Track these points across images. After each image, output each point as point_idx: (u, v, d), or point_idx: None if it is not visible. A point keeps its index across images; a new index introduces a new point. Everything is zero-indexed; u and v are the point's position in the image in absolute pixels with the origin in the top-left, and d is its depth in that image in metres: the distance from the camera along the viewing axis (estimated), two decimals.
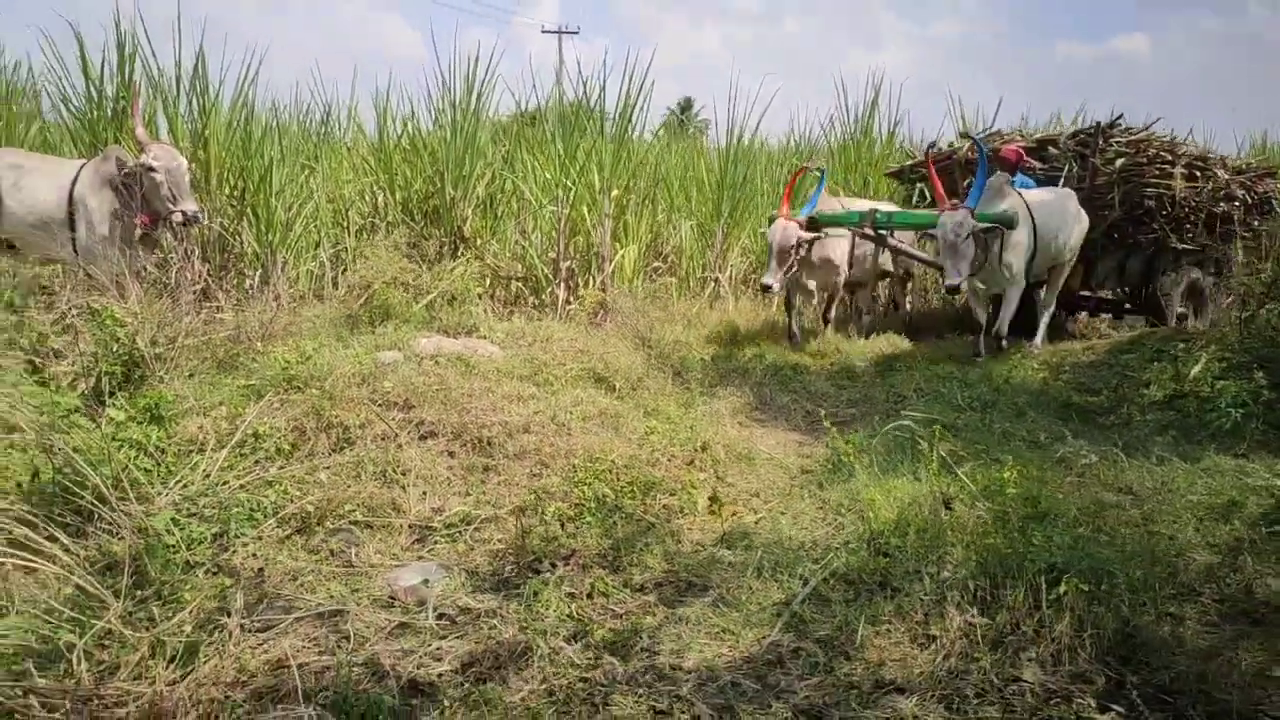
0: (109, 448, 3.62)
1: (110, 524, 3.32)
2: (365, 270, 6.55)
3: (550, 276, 8.78)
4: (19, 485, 3.42)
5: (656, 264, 10.32)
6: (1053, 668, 2.57)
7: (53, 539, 3.14)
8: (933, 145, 9.26)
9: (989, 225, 7.02)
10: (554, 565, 3.42)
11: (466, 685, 2.60)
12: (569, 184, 8.78)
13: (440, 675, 2.68)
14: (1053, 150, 8.85)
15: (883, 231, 7.87)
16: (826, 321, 8.64)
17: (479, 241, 8.88)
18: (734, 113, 12.76)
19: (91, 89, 7.76)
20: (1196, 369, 6.21)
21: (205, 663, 2.66)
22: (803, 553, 3.44)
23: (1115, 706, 2.39)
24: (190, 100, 7.60)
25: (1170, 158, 8.42)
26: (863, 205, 8.47)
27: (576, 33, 35.23)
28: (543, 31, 34.92)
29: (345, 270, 7.98)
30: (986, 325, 7.78)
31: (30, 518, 3.23)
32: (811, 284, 8.29)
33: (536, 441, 4.41)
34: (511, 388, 5.01)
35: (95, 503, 3.33)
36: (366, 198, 9.48)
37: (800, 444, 5.35)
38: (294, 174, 8.41)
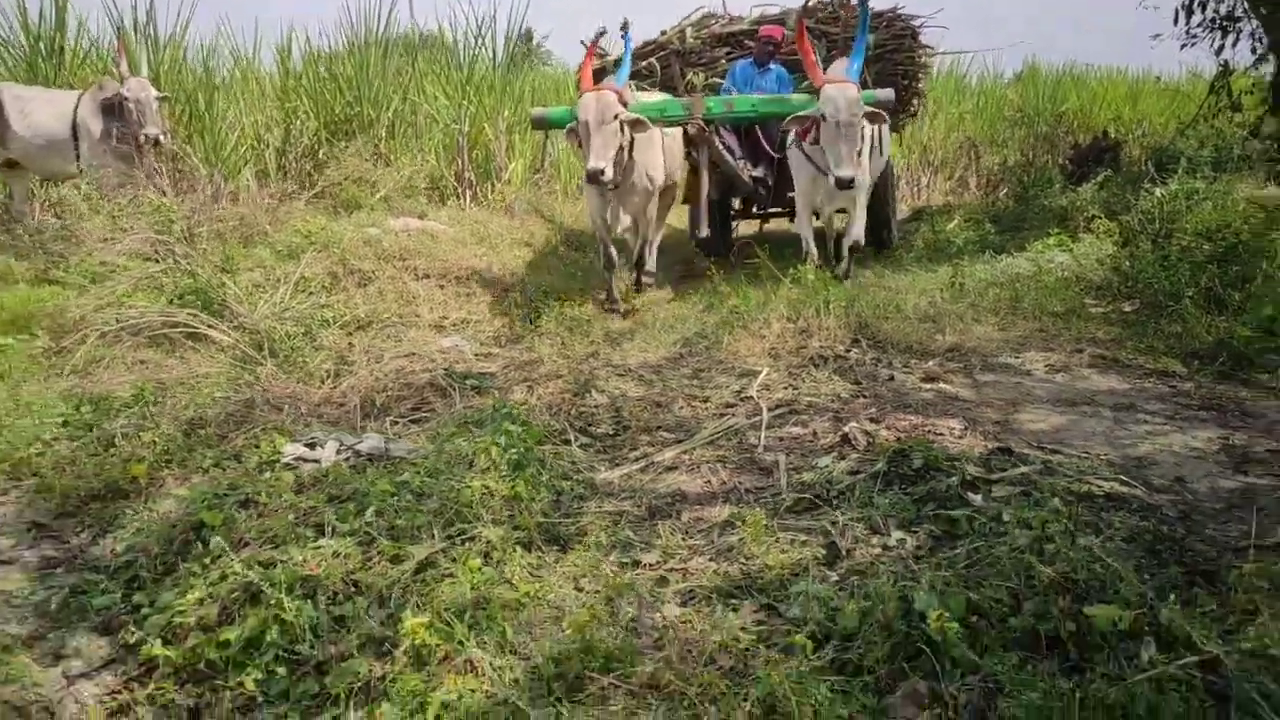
0: (214, 280, 5.32)
1: (236, 324, 5.05)
2: (336, 171, 8.16)
3: (455, 183, 10.49)
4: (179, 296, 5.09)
5: (538, 175, 12.15)
6: (830, 342, 4.77)
7: (211, 326, 4.89)
8: (602, 33, 6.74)
9: (870, 108, 5.52)
10: (535, 337, 5.40)
11: (509, 373, 4.59)
12: (469, 106, 10.46)
13: (491, 373, 4.64)
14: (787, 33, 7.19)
15: (712, 127, 6.22)
16: (642, 272, 6.62)
17: (392, 156, 10.45)
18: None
19: (29, 35, 8.95)
20: (951, 225, 8.72)
21: (349, 378, 4.51)
22: (686, 315, 5.57)
23: (854, 353, 4.62)
24: (144, 41, 8.85)
25: (912, 31, 7.72)
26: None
27: None
28: None
29: (270, 181, 9.45)
30: (834, 241, 6.67)
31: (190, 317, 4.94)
32: (623, 214, 6.07)
33: (497, 276, 6.33)
34: (468, 248, 6.88)
35: (225, 306, 5.06)
36: (279, 123, 10.83)
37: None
38: (228, 103, 9.74)
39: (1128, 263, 5.36)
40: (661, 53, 7.55)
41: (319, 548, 2.70)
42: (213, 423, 3.80)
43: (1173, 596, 2.20)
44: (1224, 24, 8.51)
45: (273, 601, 2.46)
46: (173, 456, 3.53)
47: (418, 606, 2.39)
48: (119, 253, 5.86)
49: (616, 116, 5.39)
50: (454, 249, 6.76)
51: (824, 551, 2.64)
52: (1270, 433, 3.43)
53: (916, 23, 7.72)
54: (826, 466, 3.18)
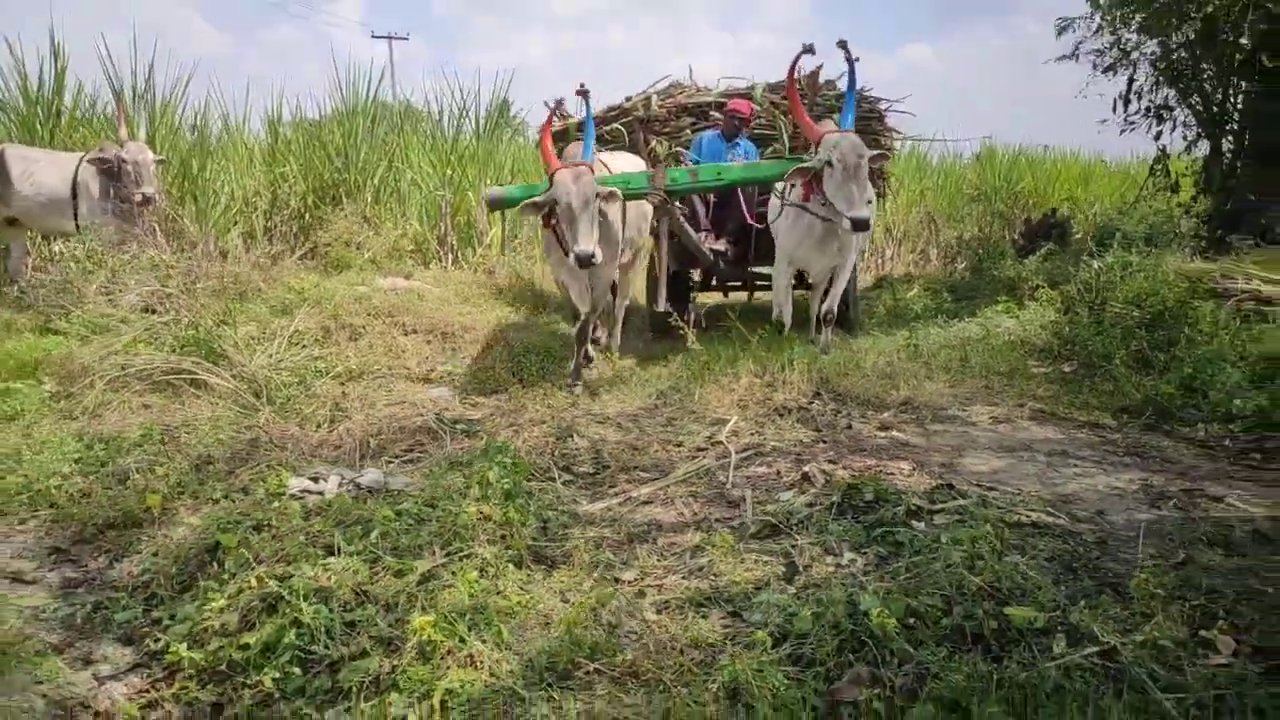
0: (214, 331, 5.62)
1: (234, 372, 5.34)
2: (329, 233, 8.53)
3: (438, 247, 10.90)
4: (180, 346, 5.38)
5: (516, 240, 12.60)
6: (793, 395, 5.15)
7: (212, 374, 5.17)
8: (560, 101, 7.20)
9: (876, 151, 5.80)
10: (519, 389, 5.73)
11: (495, 419, 4.90)
12: (453, 174, 10.94)
13: (478, 420, 4.96)
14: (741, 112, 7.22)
15: (676, 198, 6.16)
16: (593, 343, 6.45)
17: (377, 220, 10.86)
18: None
19: (29, 98, 9.34)
20: (911, 293, 9.23)
21: (344, 423, 4.80)
22: (660, 372, 5.93)
23: (816, 404, 4.99)
24: (141, 105, 9.27)
25: (879, 114, 7.70)
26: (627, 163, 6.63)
27: (407, 39, 36.53)
28: (373, 37, 36.06)
29: (255, 245, 9.79)
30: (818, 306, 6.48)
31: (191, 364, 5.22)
32: (594, 289, 5.91)
33: (479, 334, 6.68)
34: (453, 307, 7.24)
35: (224, 356, 5.35)
36: (267, 187, 11.23)
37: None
38: (219, 167, 10.15)
39: (1067, 328, 5.83)
40: (625, 119, 7.51)
41: (329, 564, 2.99)
42: (220, 460, 4.08)
43: (1083, 602, 2.55)
44: (1159, 112, 9.25)
45: (291, 607, 2.74)
46: (185, 489, 3.81)
47: (422, 610, 2.68)
48: (120, 305, 6.16)
49: (597, 195, 5.20)
50: (440, 307, 7.11)
51: (784, 569, 2.96)
52: (1185, 475, 3.82)
53: (883, 106, 7.70)
54: (788, 499, 3.52)
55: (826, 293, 6.29)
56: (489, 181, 11.40)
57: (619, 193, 5.49)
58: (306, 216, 10.49)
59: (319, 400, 5.17)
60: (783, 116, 7.32)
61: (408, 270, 8.36)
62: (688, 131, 7.54)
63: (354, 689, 2.53)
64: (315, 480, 3.80)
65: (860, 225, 5.32)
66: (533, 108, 20.31)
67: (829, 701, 2.26)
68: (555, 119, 6.73)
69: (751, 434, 4.49)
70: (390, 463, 4.20)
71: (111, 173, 7.79)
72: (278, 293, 6.85)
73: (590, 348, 6.26)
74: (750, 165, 6.24)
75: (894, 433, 4.46)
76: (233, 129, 11.82)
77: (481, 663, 2.49)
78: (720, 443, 4.31)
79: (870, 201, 5.70)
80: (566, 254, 5.34)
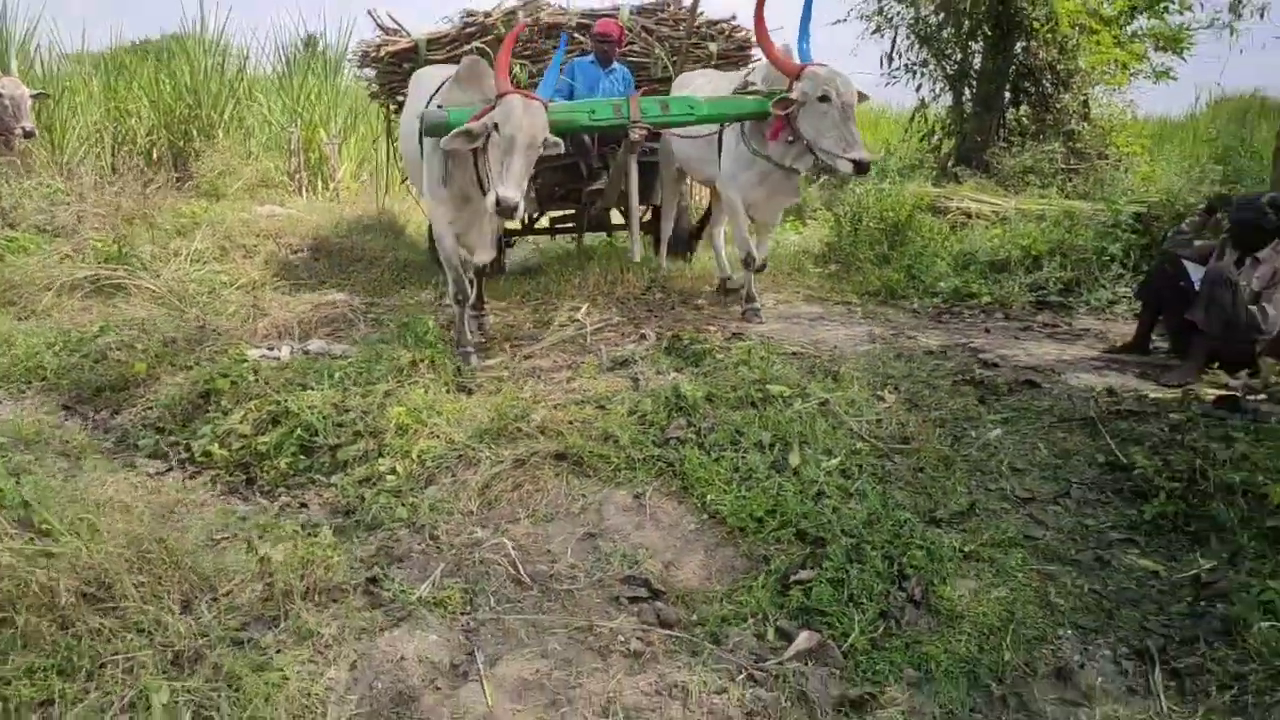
0: (131, 249, 6.44)
1: (154, 282, 6.21)
2: (205, 164, 9.18)
3: (288, 180, 11.59)
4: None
5: (365, 176, 13.39)
6: (630, 289, 6.58)
7: (139, 280, 6.04)
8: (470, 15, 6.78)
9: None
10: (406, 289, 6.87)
11: (394, 313, 6.07)
12: (303, 112, 11.61)
13: (380, 310, 6.11)
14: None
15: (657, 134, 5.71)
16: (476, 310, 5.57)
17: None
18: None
19: None
20: None
21: (266, 317, 5.84)
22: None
23: (649, 294, 6.46)
24: None
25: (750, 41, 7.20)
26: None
27: None
28: None
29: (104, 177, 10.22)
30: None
31: None
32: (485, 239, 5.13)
33: (359, 252, 7.73)
34: (328, 230, 8.22)
35: (146, 267, 6.21)
36: (109, 120, 11.48)
37: None
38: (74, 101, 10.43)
39: (836, 238, 7.58)
40: (485, 37, 6.54)
41: (309, 394, 4.19)
42: (181, 340, 5.09)
43: (814, 383, 4.15)
44: (915, 69, 11.26)
45: (292, 415, 3.95)
46: (161, 359, 4.82)
47: (390, 408, 3.96)
48: (24, 229, 6.81)
49: (544, 141, 4.43)
50: (316, 230, 8.06)
51: (631, 383, 4.42)
52: (896, 328, 5.58)
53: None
54: (631, 349, 4.98)
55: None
56: (336, 119, 12.14)
57: (560, 142, 4.58)
58: (153, 151, 10.89)
59: (236, 302, 6.15)
60: (658, 43, 6.78)
61: (280, 199, 9.18)
62: (550, 54, 6.32)
63: (349, 461, 3.79)
64: (270, 349, 4.91)
65: (863, 168, 4.85)
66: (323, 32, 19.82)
67: (663, 438, 3.74)
68: (392, 37, 6.54)
69: (601, 316, 5.91)
70: (321, 340, 5.33)
71: None
72: (168, 218, 7.60)
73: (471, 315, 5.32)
74: (722, 100, 5.43)
75: (705, 308, 6.00)
76: (68, 59, 11.90)
77: (440, 434, 3.81)
78: (577, 320, 5.70)
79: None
80: (480, 192, 4.65)
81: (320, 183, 11.82)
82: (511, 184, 4.26)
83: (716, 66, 6.90)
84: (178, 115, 10.93)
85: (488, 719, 2.27)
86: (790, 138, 5.08)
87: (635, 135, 5.33)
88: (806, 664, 2.47)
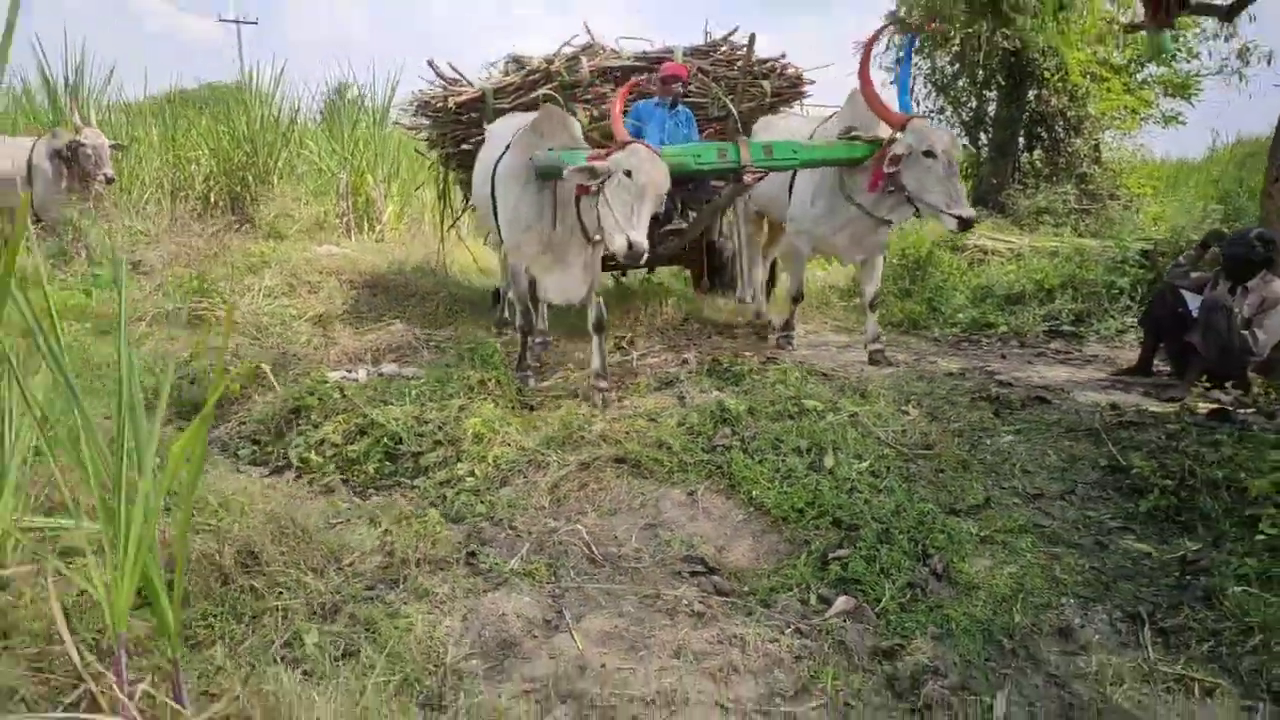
0: (214, 285, 7.03)
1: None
2: (269, 209, 9.83)
3: (337, 222, 12.25)
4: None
5: (408, 220, 14.06)
6: (665, 320, 7.07)
7: (224, 312, 6.61)
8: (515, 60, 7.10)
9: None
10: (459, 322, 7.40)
11: (452, 342, 6.60)
12: (352, 159, 12.31)
13: (442, 339, 6.63)
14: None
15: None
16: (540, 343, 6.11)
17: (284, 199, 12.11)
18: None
19: None
20: None
21: (336, 345, 6.38)
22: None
23: (686, 324, 6.96)
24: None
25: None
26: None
27: (255, 23, 36.24)
28: (220, 20, 35.51)
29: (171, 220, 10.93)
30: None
31: None
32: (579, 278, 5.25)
33: (413, 289, 8.30)
34: (380, 266, 8.80)
35: (222, 303, 6.78)
36: (170, 167, 12.24)
37: None
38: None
39: None
40: (548, 84, 6.72)
41: (389, 409, 4.69)
42: (267, 364, 5.62)
43: (843, 399, 4.60)
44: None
45: (377, 427, 4.45)
46: (250, 381, 5.34)
47: (465, 420, 4.44)
48: (106, 264, 7.42)
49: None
50: (373, 269, 8.65)
51: (677, 400, 4.89)
52: (919, 354, 6.03)
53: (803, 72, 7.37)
54: (675, 371, 5.46)
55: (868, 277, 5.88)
56: (382, 165, 12.82)
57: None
58: (211, 197, 11.60)
59: (307, 333, 6.70)
60: (714, 84, 6.83)
61: (335, 240, 9.79)
62: (608, 98, 6.69)
63: (430, 466, 4.27)
64: (349, 372, 5.44)
65: (968, 224, 4.87)
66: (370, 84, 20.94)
67: (710, 445, 4.20)
68: (454, 87, 6.82)
69: (645, 344, 6.40)
70: (391, 364, 5.85)
71: (63, 156, 8.82)
72: (237, 257, 8.21)
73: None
74: (822, 146, 5.45)
75: (739, 339, 6.49)
76: (114, 108, 12.72)
77: (511, 442, 4.29)
78: (624, 347, 6.20)
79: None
80: (577, 234, 4.91)
81: (367, 224, 12.49)
82: (642, 229, 4.44)
83: (770, 105, 7.11)
84: (236, 162, 11.64)
85: (579, 659, 2.71)
86: (890, 188, 5.09)
87: (748, 179, 5.36)
88: (845, 622, 2.91)
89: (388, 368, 5.50)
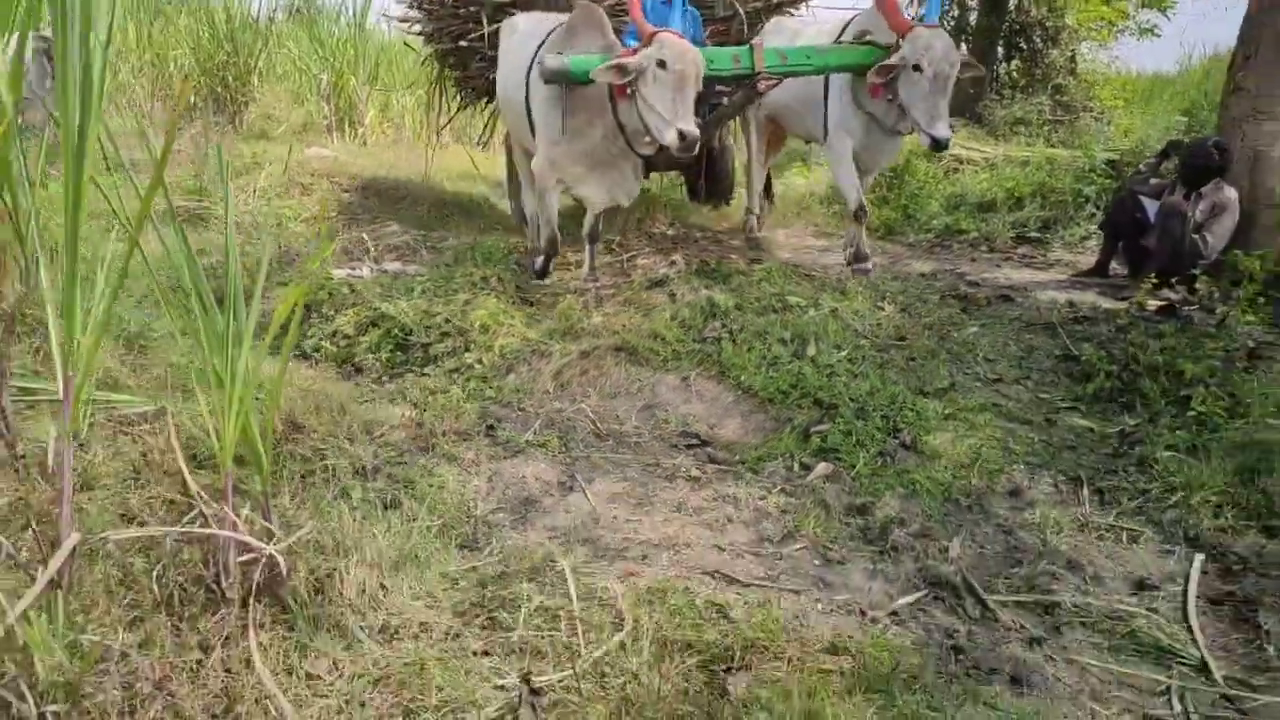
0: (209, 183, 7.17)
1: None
2: (259, 105, 9.84)
3: (322, 123, 12.24)
4: None
5: (389, 122, 14.02)
6: (663, 226, 7.33)
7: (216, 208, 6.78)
8: None
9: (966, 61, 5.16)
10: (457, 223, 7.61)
11: (453, 240, 6.83)
12: (333, 60, 12.21)
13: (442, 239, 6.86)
14: None
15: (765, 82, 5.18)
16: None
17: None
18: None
19: None
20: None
21: (335, 242, 6.59)
22: None
23: (671, 230, 7.23)
24: None
25: None
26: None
27: None
28: None
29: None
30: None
31: None
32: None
33: (404, 191, 8.46)
34: (367, 163, 8.93)
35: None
36: (149, 65, 12.10)
37: None
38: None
39: None
40: None
41: (397, 302, 4.97)
42: (270, 260, 5.85)
43: (823, 295, 4.95)
44: None
45: (387, 319, 4.73)
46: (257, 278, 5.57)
47: (472, 312, 4.74)
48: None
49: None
50: (360, 166, 8.78)
51: (669, 297, 5.21)
52: (894, 257, 6.36)
53: None
54: (665, 272, 5.76)
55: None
56: (363, 68, 12.73)
57: None
58: (192, 97, 11.51)
59: (303, 233, 6.90)
60: None
61: (322, 143, 9.86)
62: None
63: (440, 355, 4.58)
64: (353, 270, 5.69)
65: (941, 146, 4.82)
66: None
67: (701, 336, 4.54)
68: None
69: (635, 247, 6.67)
70: (394, 263, 6.10)
71: (50, 56, 8.77)
72: (224, 158, 8.29)
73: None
74: (837, 50, 5.30)
75: (725, 244, 6.78)
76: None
77: (516, 333, 4.61)
78: (614, 250, 6.47)
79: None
80: (618, 135, 4.81)
81: (349, 127, 12.48)
82: (689, 118, 4.33)
83: (776, 5, 6.76)
84: (217, 62, 11.53)
85: (592, 514, 3.10)
86: (890, 97, 5.03)
87: (763, 86, 5.18)
88: (825, 484, 3.31)
89: (390, 266, 5.75)
